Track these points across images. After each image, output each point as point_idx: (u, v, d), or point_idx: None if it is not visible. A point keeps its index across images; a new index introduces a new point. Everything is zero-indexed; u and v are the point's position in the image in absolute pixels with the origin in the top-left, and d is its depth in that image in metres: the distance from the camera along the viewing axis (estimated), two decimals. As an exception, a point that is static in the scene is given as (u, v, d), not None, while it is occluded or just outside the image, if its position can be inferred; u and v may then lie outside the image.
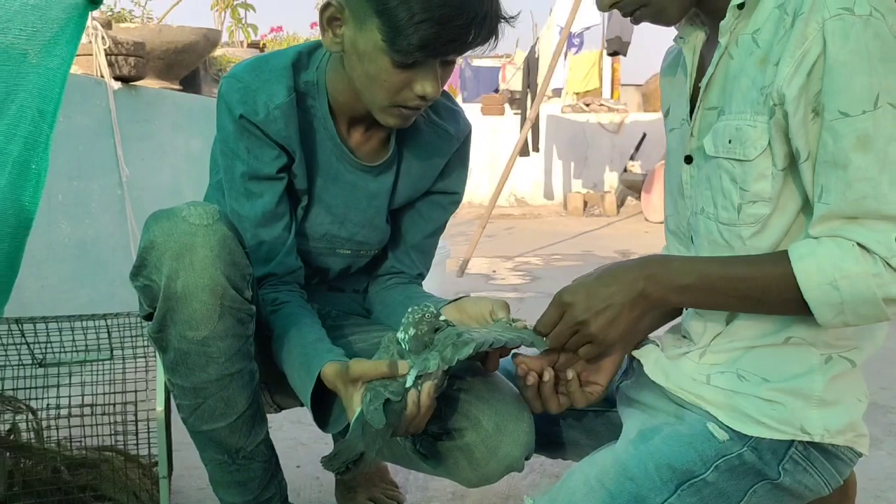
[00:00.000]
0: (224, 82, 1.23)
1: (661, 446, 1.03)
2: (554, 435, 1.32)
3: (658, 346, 1.15)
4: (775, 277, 0.96)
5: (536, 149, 9.02)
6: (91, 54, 2.61)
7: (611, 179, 10.67)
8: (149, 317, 1.12)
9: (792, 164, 0.98)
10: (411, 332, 1.04)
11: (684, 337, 1.15)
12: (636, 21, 1.07)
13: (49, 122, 1.58)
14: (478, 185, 10.27)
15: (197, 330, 1.07)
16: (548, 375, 1.07)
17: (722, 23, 1.02)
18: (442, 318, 1.07)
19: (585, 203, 10.17)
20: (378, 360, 1.04)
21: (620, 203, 10.08)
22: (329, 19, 1.14)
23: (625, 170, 9.94)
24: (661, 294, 1.02)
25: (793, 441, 1.01)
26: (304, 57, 1.26)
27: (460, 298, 1.26)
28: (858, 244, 0.92)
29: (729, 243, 1.03)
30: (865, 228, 0.92)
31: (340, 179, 1.30)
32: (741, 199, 1.00)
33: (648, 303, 1.02)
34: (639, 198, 9.51)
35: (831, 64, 0.91)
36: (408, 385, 1.03)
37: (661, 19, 1.06)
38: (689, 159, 1.10)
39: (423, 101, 1.15)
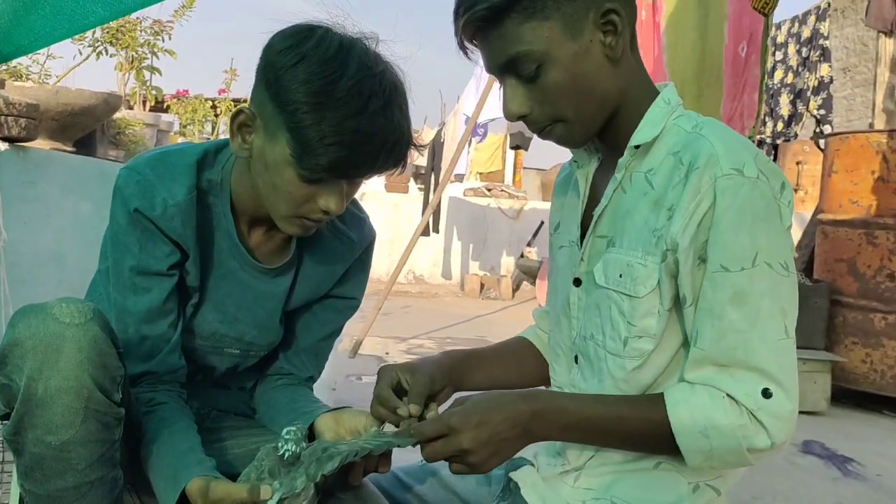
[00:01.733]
0: (122, 173, 1.20)
1: None
2: (432, 553, 1.30)
3: (534, 466, 1.17)
4: (651, 422, 1.00)
5: (437, 230, 9.15)
6: (-22, 113, 2.49)
7: (508, 263, 10.90)
8: (5, 416, 1.04)
9: (677, 305, 1.03)
10: (303, 444, 1.02)
11: (559, 454, 1.17)
12: (543, 137, 1.11)
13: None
14: (378, 261, 10.25)
15: (56, 434, 1.00)
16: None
17: (620, 160, 1.07)
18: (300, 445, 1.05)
19: (482, 285, 10.32)
20: (240, 484, 1.01)
21: (516, 287, 10.28)
22: (240, 125, 1.15)
23: (521, 255, 10.18)
24: (545, 432, 1.04)
25: None
26: (209, 155, 1.24)
27: (340, 409, 1.24)
28: (728, 395, 0.97)
29: (611, 372, 1.06)
30: (735, 380, 0.97)
31: (234, 279, 1.28)
32: (628, 333, 1.04)
33: (531, 439, 1.04)
34: (534, 283, 9.73)
35: (718, 219, 0.96)
36: None
37: (566, 142, 1.10)
38: (577, 282, 1.14)
39: (326, 216, 1.16)
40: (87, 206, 3.30)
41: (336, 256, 1.35)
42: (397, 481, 1.34)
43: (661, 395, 1.01)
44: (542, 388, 1.17)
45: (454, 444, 1.00)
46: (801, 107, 6.44)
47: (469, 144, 10.00)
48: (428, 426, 1.03)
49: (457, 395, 1.13)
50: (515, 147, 7.74)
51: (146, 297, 1.21)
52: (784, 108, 6.58)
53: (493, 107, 6.62)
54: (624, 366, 1.05)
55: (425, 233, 8.60)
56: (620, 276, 1.04)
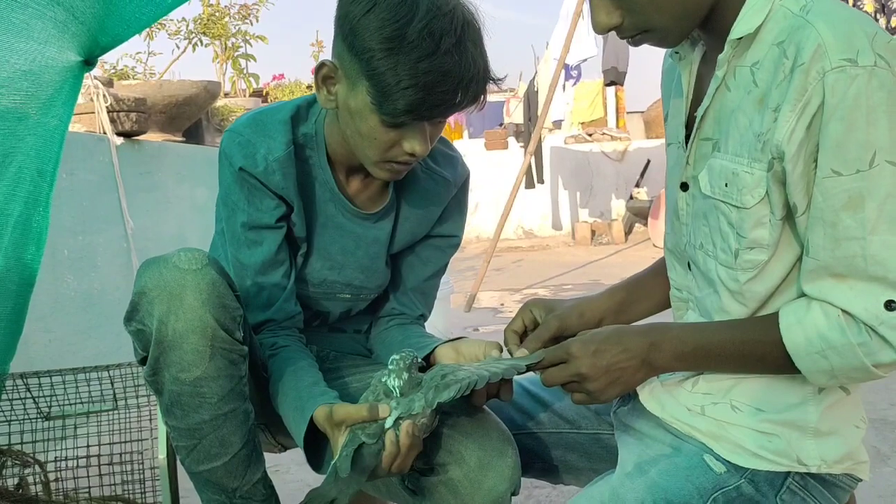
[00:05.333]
0: (225, 136, 1.28)
1: (658, 479, 1.02)
2: (550, 460, 1.32)
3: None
4: (768, 345, 0.97)
5: (541, 180, 9.09)
6: (93, 112, 2.68)
7: (617, 207, 10.70)
8: (143, 360, 1.14)
9: (790, 213, 0.96)
10: (404, 376, 1.06)
11: None
12: (635, 44, 1.05)
13: (49, 181, 1.63)
14: (484, 220, 10.32)
15: (189, 371, 1.10)
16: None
17: (720, 56, 0.99)
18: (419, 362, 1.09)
19: (593, 232, 10.19)
20: (360, 405, 1.06)
21: (628, 230, 10.09)
22: (324, 78, 1.19)
23: (631, 197, 9.96)
24: (663, 363, 1.04)
25: (790, 472, 1.00)
26: (303, 110, 1.30)
27: (457, 339, 1.28)
28: (844, 311, 0.91)
29: (725, 284, 1.02)
30: (854, 293, 0.91)
31: (338, 227, 1.34)
32: (738, 245, 0.99)
33: (650, 371, 1.05)
34: (646, 224, 9.52)
35: (827, 120, 0.87)
36: (387, 426, 1.04)
37: (663, 44, 1.04)
38: (684, 186, 1.10)
39: (413, 158, 1.19)
40: (202, 192, 3.50)
41: (433, 197, 1.38)
42: (528, 394, 1.35)
43: (776, 317, 0.97)
44: (659, 321, 1.15)
45: (572, 369, 1.03)
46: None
47: (563, 89, 9.82)
48: (548, 352, 1.06)
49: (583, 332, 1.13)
50: (610, 83, 7.52)
51: (259, 249, 1.28)
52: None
53: (583, 46, 6.46)
54: (737, 278, 1.00)
55: (530, 185, 8.57)
56: (726, 185, 0.98)
